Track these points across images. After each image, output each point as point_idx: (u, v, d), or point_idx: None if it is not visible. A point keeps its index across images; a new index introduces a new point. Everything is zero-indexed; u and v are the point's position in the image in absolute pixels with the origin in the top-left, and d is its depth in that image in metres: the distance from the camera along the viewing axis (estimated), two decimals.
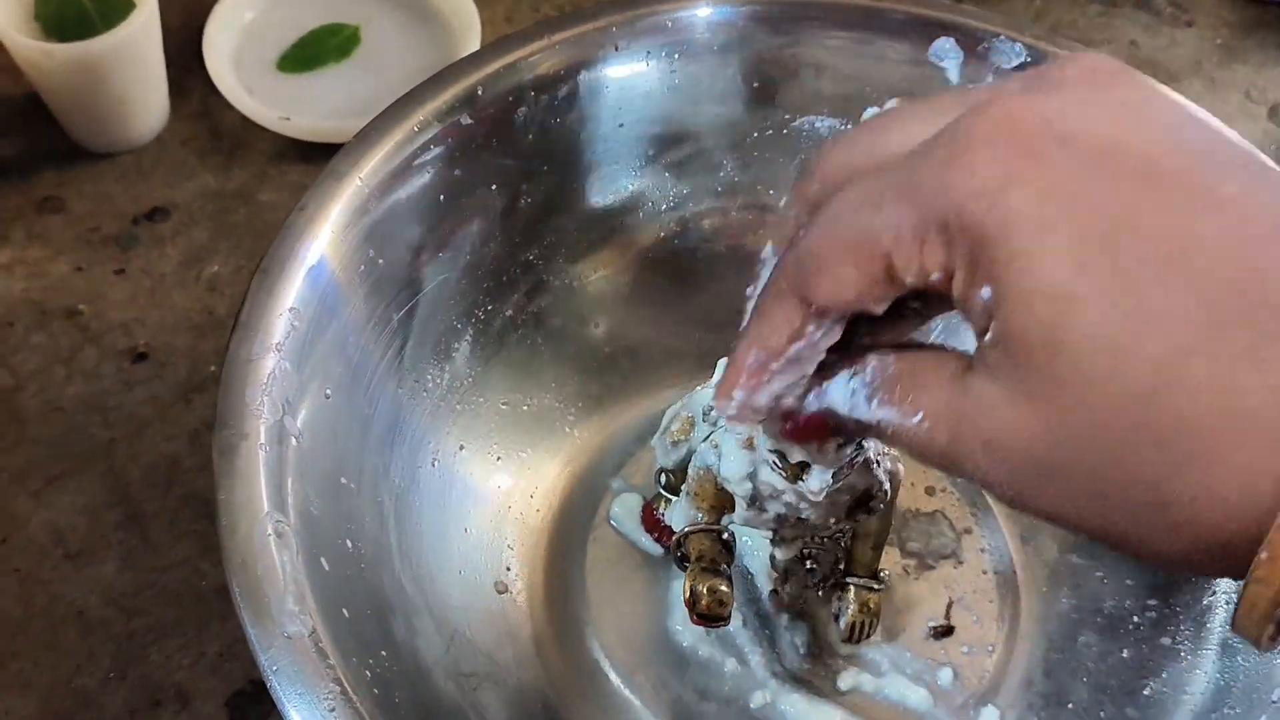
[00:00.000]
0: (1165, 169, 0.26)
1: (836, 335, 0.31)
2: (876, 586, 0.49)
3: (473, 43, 0.68)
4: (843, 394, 0.32)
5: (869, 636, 0.49)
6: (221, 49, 0.67)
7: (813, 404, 0.33)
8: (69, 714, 0.48)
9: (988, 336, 0.27)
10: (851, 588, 0.49)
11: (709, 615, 0.43)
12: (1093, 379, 0.25)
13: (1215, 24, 0.75)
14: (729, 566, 0.45)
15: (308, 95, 0.67)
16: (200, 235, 0.62)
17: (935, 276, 0.28)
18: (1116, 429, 0.25)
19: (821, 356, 0.32)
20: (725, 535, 0.45)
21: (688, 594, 0.44)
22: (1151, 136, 0.26)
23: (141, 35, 0.61)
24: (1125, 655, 0.49)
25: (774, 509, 0.42)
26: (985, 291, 0.26)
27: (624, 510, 0.53)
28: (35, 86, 0.62)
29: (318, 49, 0.69)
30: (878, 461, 0.43)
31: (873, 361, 0.31)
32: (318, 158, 0.64)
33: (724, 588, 0.44)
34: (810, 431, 0.35)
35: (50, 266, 0.60)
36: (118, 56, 0.61)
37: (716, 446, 0.43)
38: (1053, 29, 0.74)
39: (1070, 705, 0.49)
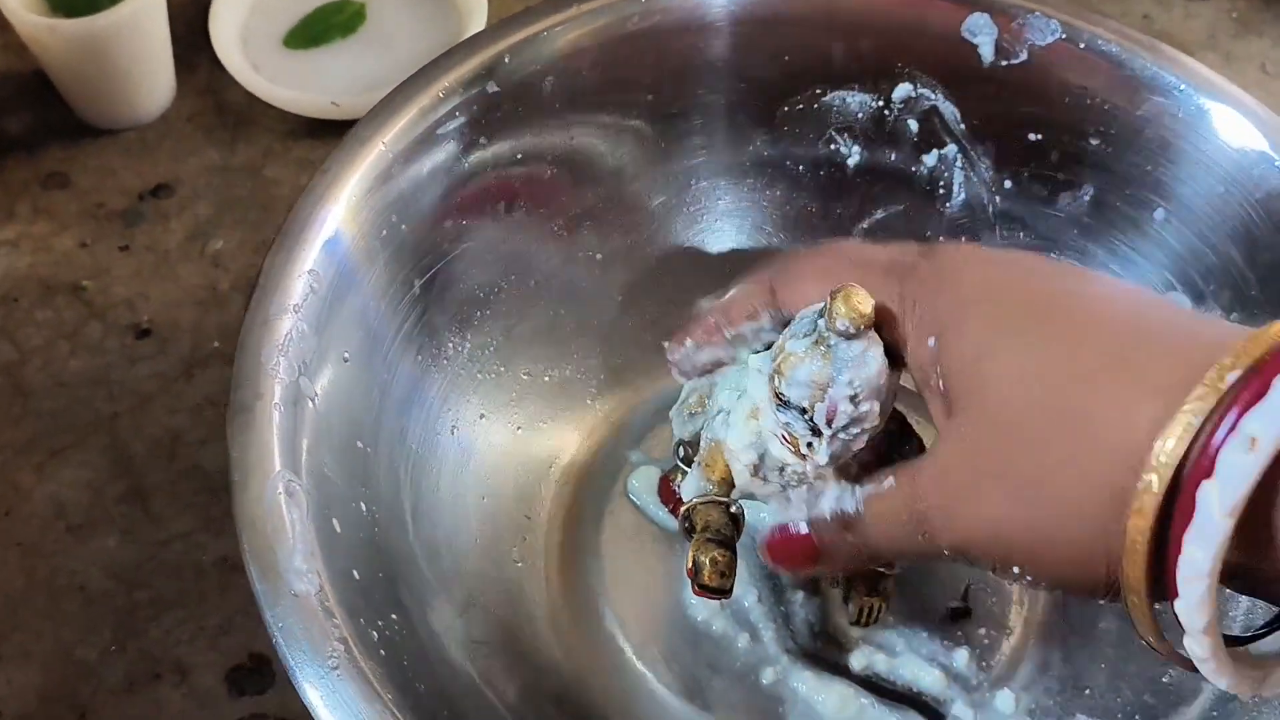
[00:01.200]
0: (1043, 286, 0.36)
1: (773, 337, 0.41)
2: (887, 570, 0.48)
3: (478, 18, 0.68)
4: (834, 494, 0.40)
5: (877, 620, 0.48)
6: (228, 25, 0.67)
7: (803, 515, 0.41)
8: (70, 685, 0.48)
9: (933, 378, 0.37)
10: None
11: (711, 586, 0.43)
12: (1006, 396, 0.34)
13: None
14: (735, 539, 0.44)
15: (314, 71, 0.67)
16: (205, 211, 0.62)
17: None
18: (1024, 429, 0.34)
19: (756, 346, 0.43)
20: (734, 508, 0.44)
21: (690, 564, 0.43)
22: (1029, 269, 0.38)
23: (147, 11, 0.61)
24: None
25: (775, 480, 0.42)
26: (931, 340, 0.37)
27: (641, 483, 0.53)
28: (41, 63, 0.63)
29: (324, 25, 0.69)
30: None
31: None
32: (323, 134, 0.65)
33: (724, 557, 0.43)
34: (786, 553, 0.42)
35: (55, 242, 0.60)
36: (123, 32, 0.61)
37: (727, 414, 0.43)
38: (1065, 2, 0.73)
39: (1088, 691, 0.49)
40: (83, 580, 0.51)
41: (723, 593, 0.43)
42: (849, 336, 0.39)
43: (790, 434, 0.41)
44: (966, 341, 0.36)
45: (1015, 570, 0.35)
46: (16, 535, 0.52)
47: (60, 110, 0.64)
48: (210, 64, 0.66)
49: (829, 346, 0.39)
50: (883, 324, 0.39)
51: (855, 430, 0.40)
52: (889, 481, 0.38)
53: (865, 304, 0.39)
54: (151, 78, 0.64)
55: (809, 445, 0.41)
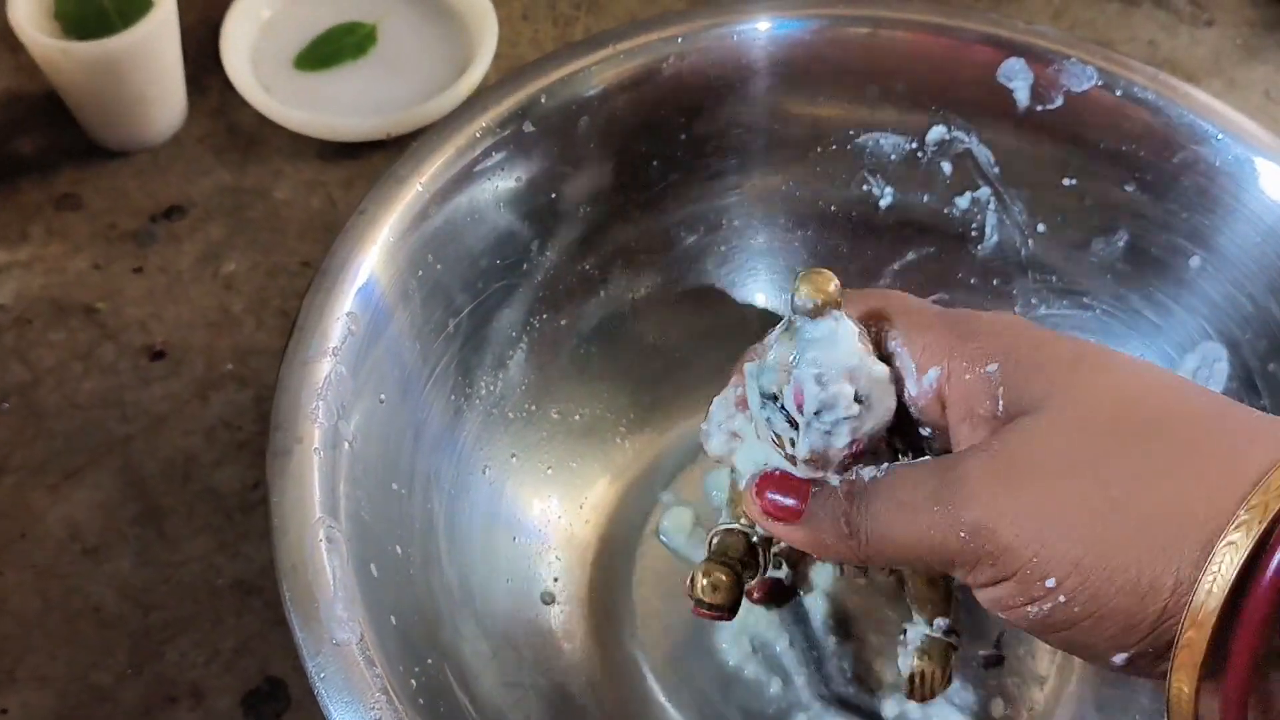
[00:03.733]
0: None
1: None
2: (946, 638, 0.43)
3: (490, 40, 0.68)
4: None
5: (933, 694, 0.43)
6: (239, 47, 0.67)
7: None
8: (85, 709, 0.48)
9: (982, 404, 0.36)
10: (914, 631, 0.44)
11: (704, 602, 0.41)
12: (1107, 399, 0.34)
13: (1236, 23, 0.74)
14: (745, 567, 0.43)
15: (325, 93, 0.67)
16: (217, 232, 0.62)
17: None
18: (1122, 435, 0.32)
19: None
20: (754, 539, 0.44)
21: (687, 581, 0.42)
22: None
23: (159, 34, 0.61)
24: None
25: None
26: (992, 366, 0.36)
27: (673, 524, 0.53)
28: (54, 84, 0.63)
29: (335, 47, 0.69)
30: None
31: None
32: (335, 155, 0.65)
33: (724, 577, 0.41)
34: (776, 488, 0.39)
35: (68, 263, 0.60)
36: (136, 55, 0.61)
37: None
38: (1071, 28, 0.73)
39: None
40: (97, 603, 0.51)
41: (719, 610, 0.41)
42: (812, 315, 0.38)
43: (775, 431, 0.39)
44: (1062, 347, 0.35)
45: (1041, 584, 0.31)
46: (31, 558, 0.51)
47: (73, 132, 0.64)
48: (221, 85, 0.66)
49: (796, 328, 0.38)
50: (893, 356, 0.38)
51: (832, 418, 0.37)
52: (924, 459, 0.37)
53: (828, 283, 0.37)
54: (163, 99, 0.64)
55: (790, 439, 0.39)
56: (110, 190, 0.63)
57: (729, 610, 0.42)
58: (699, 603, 0.41)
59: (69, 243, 0.61)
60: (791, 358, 0.38)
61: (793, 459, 0.39)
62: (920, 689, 0.43)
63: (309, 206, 0.63)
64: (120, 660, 0.49)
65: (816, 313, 0.38)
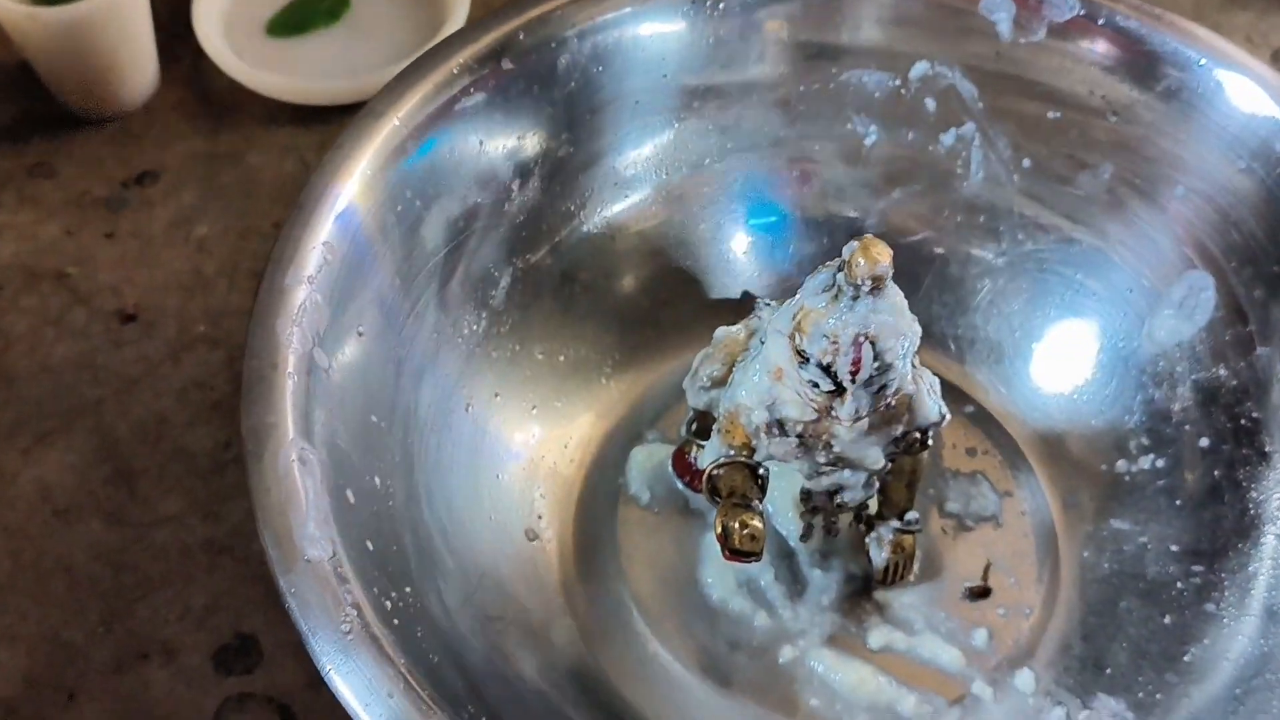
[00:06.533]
0: None
1: None
2: (912, 528, 0.48)
3: (461, 7, 0.67)
4: None
5: (904, 579, 0.49)
6: (210, 13, 0.67)
7: None
8: (57, 666, 0.48)
9: None
10: (885, 528, 0.48)
11: (742, 550, 0.43)
12: None
13: None
14: (761, 502, 0.44)
15: (297, 59, 0.67)
16: (189, 197, 0.62)
17: None
18: None
19: None
20: (761, 470, 0.44)
21: (719, 529, 0.43)
22: None
23: None
24: (1167, 621, 0.48)
25: (792, 437, 0.42)
26: None
27: (642, 458, 0.53)
28: (23, 52, 0.63)
29: (307, 13, 0.69)
30: (929, 395, 0.43)
31: None
32: (308, 120, 0.65)
33: (756, 522, 0.43)
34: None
35: (40, 230, 0.60)
36: (105, 20, 0.60)
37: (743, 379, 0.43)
38: None
39: (1108, 670, 0.48)
40: (69, 563, 0.50)
41: (754, 555, 0.43)
42: (870, 288, 0.39)
43: (813, 392, 0.41)
44: None
45: None
46: (2, 519, 0.51)
47: (44, 100, 0.64)
48: (193, 52, 0.66)
49: (850, 299, 0.39)
50: None
51: (880, 383, 0.40)
52: None
53: (885, 254, 0.39)
54: (135, 66, 0.64)
55: (834, 402, 0.41)
56: (83, 158, 0.63)
57: (761, 552, 0.44)
58: (735, 551, 0.43)
59: (40, 209, 0.61)
60: (847, 330, 0.39)
61: (826, 412, 0.41)
62: (893, 576, 0.49)
63: (282, 170, 0.63)
64: (91, 619, 0.49)
65: (874, 284, 0.39)
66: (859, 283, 0.39)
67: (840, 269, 0.40)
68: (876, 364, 0.41)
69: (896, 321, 0.40)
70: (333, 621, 0.36)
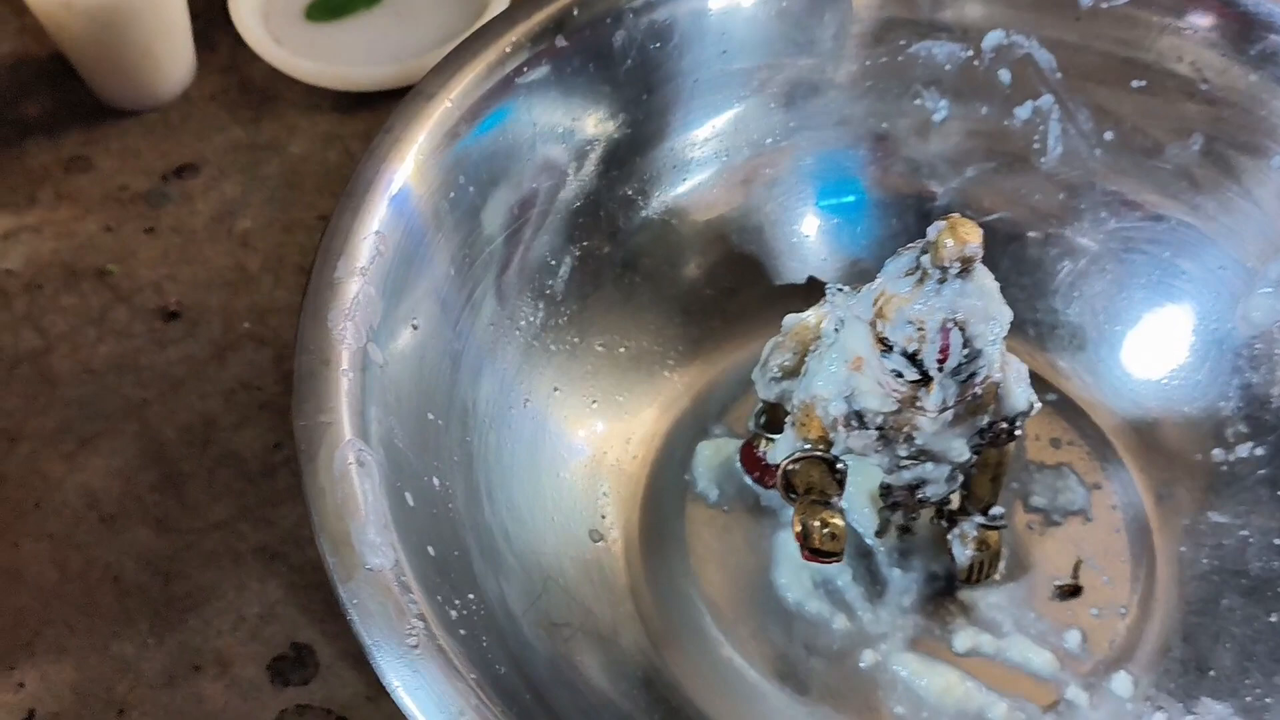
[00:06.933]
0: None
1: None
2: (997, 524, 0.46)
3: None
4: None
5: (989, 577, 0.47)
6: (248, 0, 0.65)
7: None
8: (107, 679, 0.46)
9: None
10: (968, 524, 0.46)
11: (822, 550, 0.40)
12: None
13: None
14: (840, 499, 0.42)
15: (337, 44, 0.65)
16: (231, 190, 0.60)
17: None
18: None
19: None
20: (839, 465, 0.42)
21: (798, 528, 0.41)
22: None
23: None
24: (1274, 620, 0.45)
25: (872, 429, 0.40)
26: None
27: (710, 451, 0.50)
28: (59, 44, 0.61)
29: None
30: (1017, 383, 0.41)
31: None
32: (351, 107, 0.62)
33: (837, 520, 0.41)
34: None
35: (79, 226, 0.58)
36: (141, 7, 0.59)
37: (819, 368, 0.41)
38: None
39: (1212, 673, 0.45)
40: (117, 572, 0.49)
41: (835, 556, 0.40)
42: (959, 271, 0.37)
43: (896, 382, 0.38)
44: None
45: None
46: (48, 527, 0.50)
47: (80, 92, 0.62)
48: (231, 40, 0.64)
49: (936, 283, 0.37)
50: None
51: (969, 371, 0.37)
52: None
53: (974, 234, 0.36)
54: (171, 55, 0.62)
55: (918, 392, 0.38)
56: (120, 151, 0.61)
57: (842, 552, 0.42)
58: (815, 551, 0.41)
59: (79, 205, 0.59)
60: (934, 316, 0.37)
61: (910, 403, 0.39)
62: (977, 574, 0.46)
63: (325, 160, 0.61)
64: (142, 629, 0.47)
65: (962, 266, 0.37)
66: (946, 265, 0.37)
67: (925, 251, 0.38)
68: (965, 351, 0.38)
69: (986, 305, 0.38)
70: (397, 634, 0.34)
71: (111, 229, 0.58)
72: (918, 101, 0.53)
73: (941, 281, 0.37)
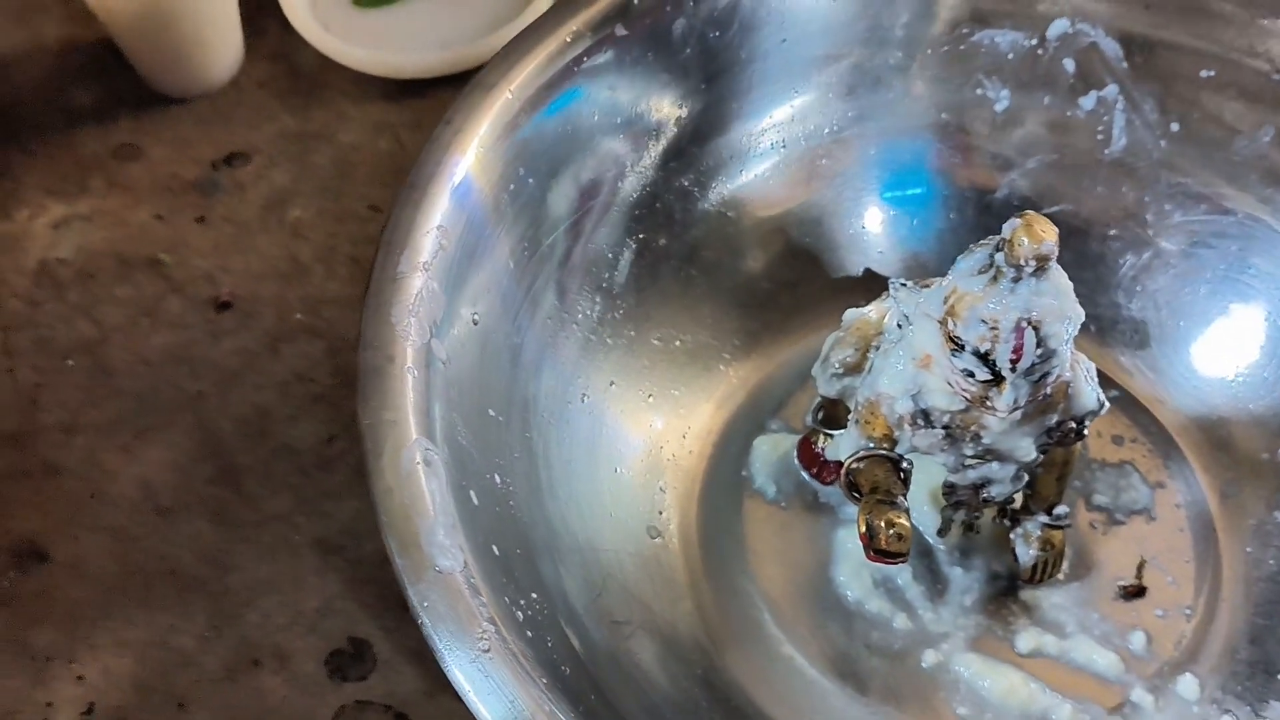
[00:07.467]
0: None
1: None
2: (1061, 523, 0.45)
3: None
4: None
5: (1052, 577, 0.46)
6: None
7: None
8: (167, 673, 0.46)
9: None
10: (1032, 523, 0.45)
11: (889, 552, 0.40)
12: None
13: None
14: (905, 498, 0.41)
15: (387, 31, 0.64)
16: (282, 179, 0.59)
17: None
18: None
19: None
20: (904, 464, 0.41)
21: (863, 528, 0.40)
22: None
23: None
24: None
25: (938, 428, 0.40)
26: None
27: (767, 446, 0.50)
28: (108, 30, 0.60)
29: None
30: (1087, 382, 0.40)
31: None
32: (401, 95, 0.62)
33: (903, 521, 0.40)
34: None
35: (130, 215, 0.58)
36: None
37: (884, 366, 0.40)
38: None
39: None
40: (175, 565, 0.48)
41: (901, 557, 0.40)
42: (1034, 270, 0.36)
43: (967, 381, 0.38)
44: None
45: None
46: (105, 519, 0.49)
47: (129, 79, 0.62)
48: (279, 26, 0.63)
49: (1010, 281, 0.36)
50: None
51: (1042, 371, 0.37)
52: None
53: (1050, 231, 0.36)
54: (221, 41, 0.61)
55: (989, 392, 0.38)
56: (170, 139, 0.61)
57: (908, 553, 0.41)
58: (880, 552, 0.40)
59: (130, 194, 0.59)
60: (1008, 315, 0.37)
61: (980, 403, 0.39)
62: (1041, 574, 0.46)
63: (376, 149, 0.61)
64: (200, 623, 0.47)
65: (1038, 265, 0.36)
66: (1021, 263, 0.36)
67: (998, 248, 0.37)
68: (1039, 351, 0.38)
69: (1061, 304, 0.37)
70: (469, 638, 0.34)
71: (163, 218, 0.58)
72: (979, 91, 0.53)
73: (1016, 280, 0.37)
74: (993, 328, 0.37)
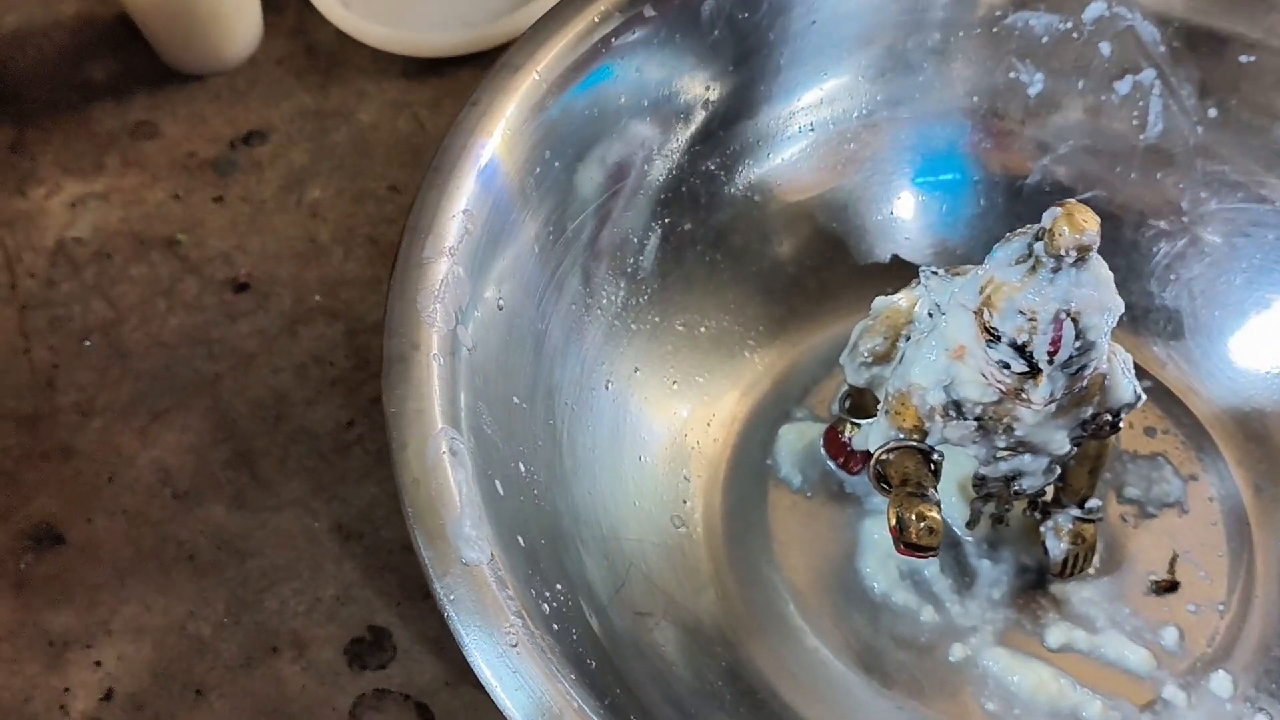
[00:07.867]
0: None
1: None
2: (1093, 516, 0.45)
3: None
4: None
5: (1083, 571, 0.45)
6: None
7: None
8: (184, 660, 0.45)
9: None
10: (1063, 516, 0.45)
11: (919, 545, 0.39)
12: None
13: None
14: (935, 491, 0.40)
15: (407, 8, 0.63)
16: (299, 158, 0.58)
17: None
18: None
19: None
20: (935, 456, 0.41)
21: (893, 521, 0.40)
22: None
23: None
24: None
25: (971, 419, 0.39)
26: None
27: (793, 435, 0.49)
28: (125, 6, 0.59)
29: None
30: (1123, 374, 0.39)
31: None
32: (420, 74, 0.61)
33: (934, 514, 0.40)
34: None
35: (147, 194, 0.57)
36: None
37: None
38: None
39: None
40: (192, 550, 0.48)
41: (931, 551, 0.39)
42: (1074, 260, 0.35)
43: (1002, 373, 0.37)
44: None
45: None
46: (121, 502, 0.49)
47: (146, 56, 0.61)
48: (298, 3, 0.62)
49: (1049, 272, 0.36)
50: None
51: (1080, 364, 0.36)
52: None
53: (1092, 221, 0.35)
54: (238, 17, 0.60)
55: (1025, 384, 0.37)
56: (187, 116, 0.60)
57: (939, 546, 0.40)
58: (911, 545, 0.40)
59: (146, 172, 0.58)
60: (1047, 307, 0.36)
61: (1011, 389, 0.38)
62: (1071, 568, 0.45)
63: (395, 129, 0.60)
64: (218, 609, 0.47)
65: (1079, 255, 0.35)
66: (1061, 254, 0.36)
67: (1037, 237, 0.37)
68: (1078, 343, 0.37)
69: (1101, 296, 0.37)
70: (496, 632, 0.33)
71: (180, 197, 0.57)
72: (1012, 75, 0.52)
73: (1055, 270, 0.36)
74: (1031, 319, 0.37)
